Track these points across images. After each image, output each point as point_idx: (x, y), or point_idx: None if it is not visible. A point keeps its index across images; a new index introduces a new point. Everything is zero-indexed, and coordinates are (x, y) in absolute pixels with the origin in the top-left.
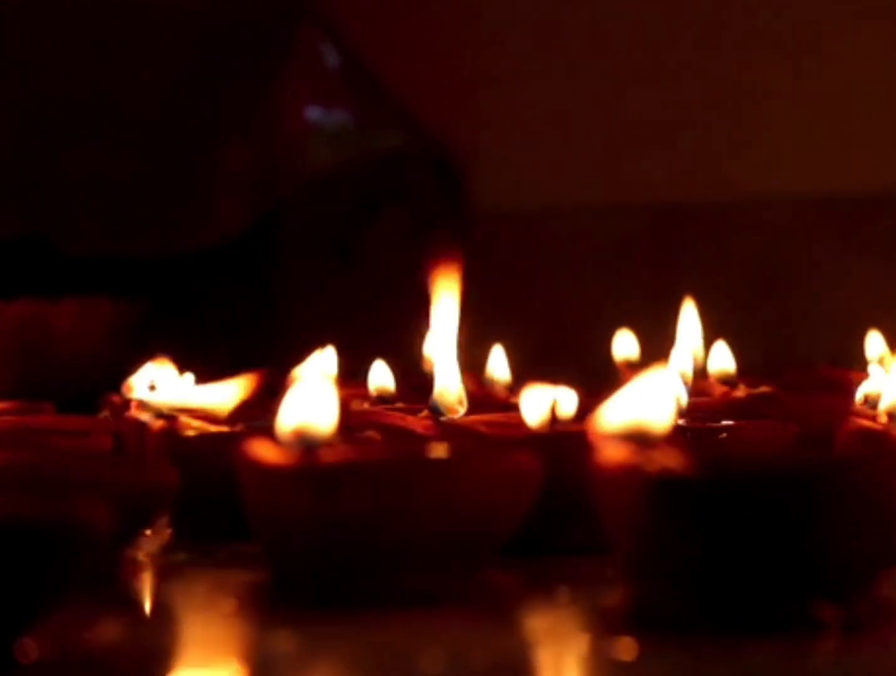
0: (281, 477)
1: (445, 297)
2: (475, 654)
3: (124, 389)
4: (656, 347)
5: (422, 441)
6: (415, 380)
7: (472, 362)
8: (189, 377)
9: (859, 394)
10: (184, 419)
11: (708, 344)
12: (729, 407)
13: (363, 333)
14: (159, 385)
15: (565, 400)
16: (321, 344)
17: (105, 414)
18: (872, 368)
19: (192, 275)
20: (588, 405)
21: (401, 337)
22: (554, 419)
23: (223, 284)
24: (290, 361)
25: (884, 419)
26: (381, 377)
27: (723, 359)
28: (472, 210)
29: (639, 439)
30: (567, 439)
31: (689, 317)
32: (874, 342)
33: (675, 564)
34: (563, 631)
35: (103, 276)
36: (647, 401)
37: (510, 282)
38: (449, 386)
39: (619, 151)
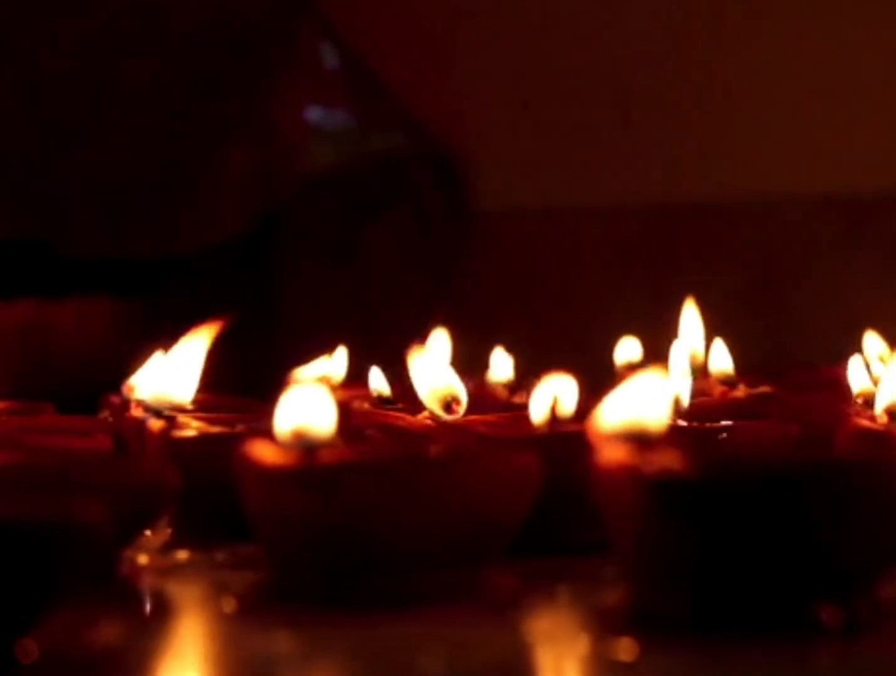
0: (281, 478)
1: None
2: (475, 654)
3: (125, 389)
4: (657, 348)
5: (422, 441)
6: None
7: (472, 362)
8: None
9: (854, 390)
10: (183, 419)
11: (708, 344)
12: (729, 407)
13: (363, 333)
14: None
15: (567, 395)
16: (323, 345)
17: (105, 414)
18: (856, 364)
19: (193, 275)
20: (588, 405)
21: (401, 336)
22: (554, 419)
23: (223, 285)
24: (291, 361)
25: (884, 419)
26: (378, 382)
27: (721, 359)
28: (472, 210)
29: (636, 438)
30: (567, 439)
31: (689, 318)
32: (872, 342)
33: (674, 564)
34: (563, 631)
35: (103, 276)
36: (644, 401)
37: (510, 282)
38: (437, 387)
39: (619, 151)
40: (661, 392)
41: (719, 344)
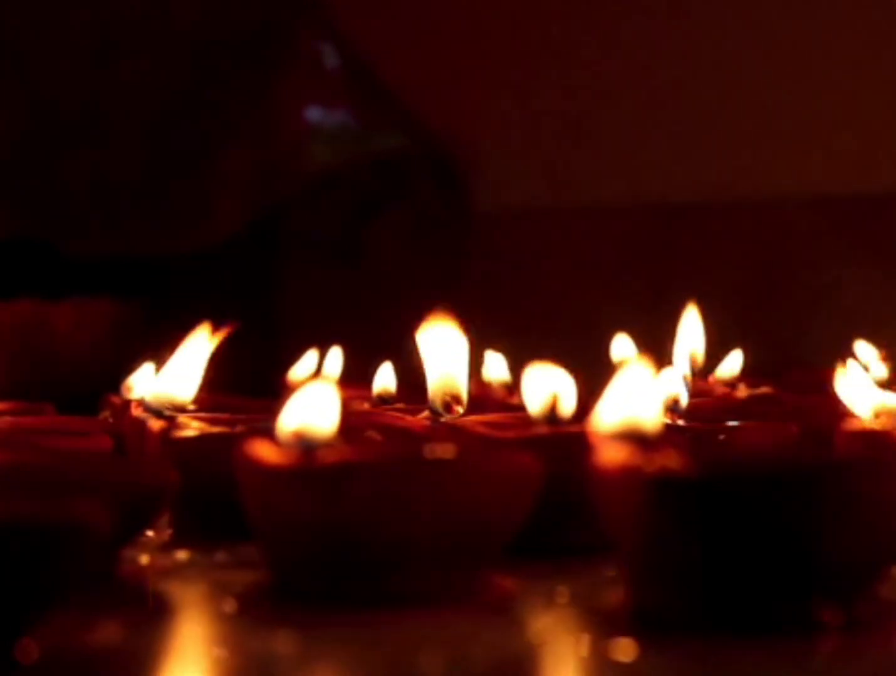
0: (281, 478)
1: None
2: (475, 654)
3: (124, 389)
4: (656, 348)
5: (422, 441)
6: (415, 380)
7: (471, 363)
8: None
9: (842, 392)
10: (183, 419)
11: (708, 344)
12: (729, 407)
13: (363, 333)
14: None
15: (567, 394)
16: (321, 344)
17: (105, 414)
18: (851, 366)
19: (192, 275)
20: (588, 405)
21: (401, 336)
22: (554, 419)
23: (223, 284)
24: (290, 361)
25: (875, 420)
26: (385, 379)
27: (735, 365)
28: (472, 210)
29: (632, 437)
30: (567, 439)
31: (689, 319)
32: (863, 349)
33: (674, 564)
34: (562, 632)
35: (103, 276)
36: (636, 399)
37: (510, 282)
38: (443, 385)
39: (620, 151)
40: (650, 386)
41: (737, 354)
